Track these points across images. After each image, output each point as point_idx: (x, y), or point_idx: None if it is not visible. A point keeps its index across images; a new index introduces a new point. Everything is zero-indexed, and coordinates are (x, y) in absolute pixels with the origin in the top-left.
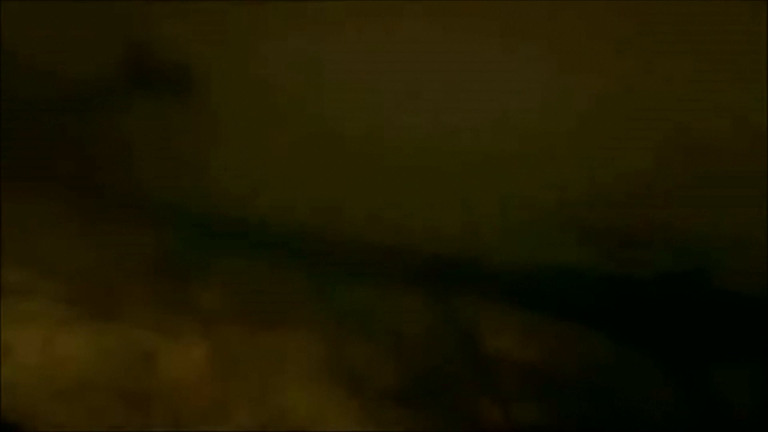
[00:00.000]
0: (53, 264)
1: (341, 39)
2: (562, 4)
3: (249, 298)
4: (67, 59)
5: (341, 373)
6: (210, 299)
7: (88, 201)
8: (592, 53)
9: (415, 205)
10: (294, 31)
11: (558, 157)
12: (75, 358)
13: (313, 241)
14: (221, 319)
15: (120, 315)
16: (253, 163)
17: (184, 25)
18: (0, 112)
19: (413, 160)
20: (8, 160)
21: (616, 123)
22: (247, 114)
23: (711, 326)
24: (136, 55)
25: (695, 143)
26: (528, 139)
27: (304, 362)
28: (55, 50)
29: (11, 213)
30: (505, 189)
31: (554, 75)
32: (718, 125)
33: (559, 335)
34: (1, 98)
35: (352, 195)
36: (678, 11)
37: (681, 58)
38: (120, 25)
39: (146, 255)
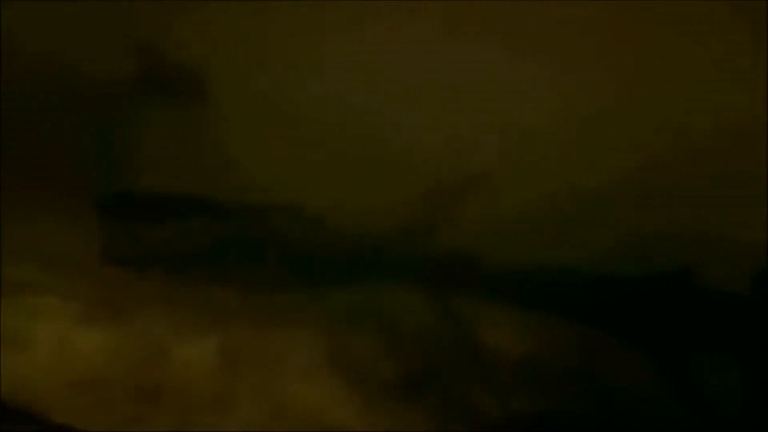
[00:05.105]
0: (68, 262)
1: (346, 41)
2: (564, 6)
3: (257, 296)
4: (73, 60)
5: (343, 368)
6: (220, 296)
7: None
8: (593, 55)
9: (416, 205)
10: (299, 33)
11: (557, 157)
12: (90, 354)
13: (315, 240)
14: (230, 316)
15: (133, 312)
16: (257, 163)
17: (192, 26)
18: (2, 113)
19: (415, 161)
20: (12, 160)
21: (615, 124)
22: (250, 115)
23: (700, 323)
24: (143, 56)
25: (694, 144)
26: (528, 141)
27: (307, 357)
28: (61, 51)
29: (21, 212)
30: (504, 190)
31: (555, 77)
32: (717, 126)
33: (556, 331)
34: (5, 98)
35: (354, 195)
36: (679, 12)
37: (681, 59)
38: (128, 27)
39: (155, 254)
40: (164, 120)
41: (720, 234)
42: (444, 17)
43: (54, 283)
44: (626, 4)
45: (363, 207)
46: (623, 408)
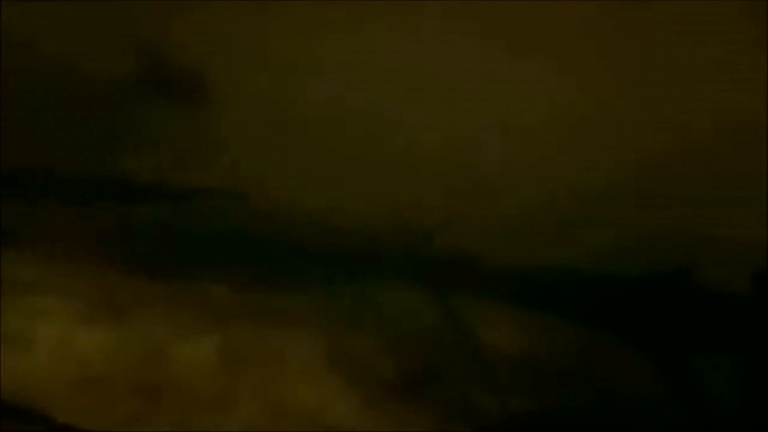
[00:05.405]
0: (68, 262)
1: (346, 41)
2: (564, 6)
3: (256, 295)
4: (73, 60)
5: (343, 367)
6: (220, 296)
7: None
8: (593, 55)
9: (415, 205)
10: (299, 33)
11: (557, 157)
12: (90, 353)
13: (315, 239)
14: (230, 316)
15: (133, 311)
16: (257, 162)
17: (192, 26)
18: (2, 113)
19: (415, 161)
20: (12, 160)
21: (615, 124)
22: (250, 115)
23: (699, 323)
24: (143, 56)
25: (694, 144)
26: (528, 141)
27: (307, 357)
28: (61, 51)
29: (23, 211)
30: (504, 190)
31: (555, 77)
32: (717, 126)
33: (555, 331)
34: (4, 98)
35: (354, 195)
36: (678, 12)
37: (681, 59)
38: (128, 27)
39: (157, 252)
40: (164, 120)
41: (720, 234)
42: (444, 17)
43: (54, 283)
44: (626, 4)
45: (363, 207)
46: (622, 408)
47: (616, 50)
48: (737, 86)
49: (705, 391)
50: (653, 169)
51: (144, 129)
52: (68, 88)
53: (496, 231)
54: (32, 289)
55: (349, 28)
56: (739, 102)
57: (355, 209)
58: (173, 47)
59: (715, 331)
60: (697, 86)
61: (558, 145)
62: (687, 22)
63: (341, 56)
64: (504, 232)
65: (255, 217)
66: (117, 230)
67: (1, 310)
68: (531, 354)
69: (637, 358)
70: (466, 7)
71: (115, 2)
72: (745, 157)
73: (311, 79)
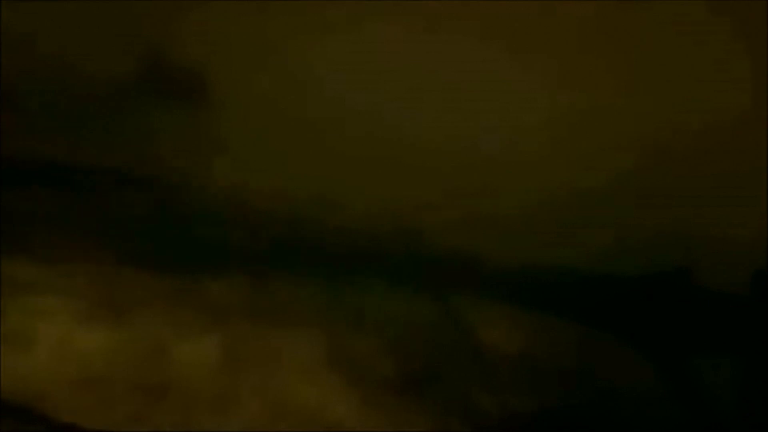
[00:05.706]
0: (69, 261)
1: (346, 41)
2: (563, 6)
3: (257, 294)
4: (74, 60)
5: (343, 367)
6: (221, 295)
7: (98, 199)
8: (593, 55)
9: (415, 205)
10: (299, 33)
11: (557, 157)
12: (91, 353)
13: (315, 239)
14: (231, 315)
15: (134, 311)
16: (257, 162)
17: (192, 26)
18: (3, 112)
19: (415, 161)
20: (13, 160)
21: (615, 124)
22: (250, 115)
23: (699, 323)
24: (144, 57)
25: (694, 144)
26: (527, 141)
27: (307, 356)
28: (62, 51)
29: (23, 210)
30: (504, 190)
31: (555, 76)
32: (716, 125)
33: (555, 331)
34: (6, 98)
35: (354, 194)
36: (679, 12)
37: (681, 59)
38: (129, 27)
39: (157, 251)
40: (164, 120)
41: (720, 233)
42: (444, 17)
43: (55, 283)
44: (626, 4)
45: (363, 207)
46: (622, 407)
47: (616, 50)
48: (737, 86)
49: (705, 391)
50: (653, 169)
51: (144, 129)
52: (68, 88)
53: (496, 231)
54: (32, 289)
55: (349, 28)
56: (739, 102)
57: (355, 209)
58: (173, 47)
59: (715, 331)
60: (697, 86)
61: (558, 144)
62: (687, 22)
63: (341, 56)
64: (504, 232)
65: (254, 216)
66: (117, 230)
67: (1, 310)
68: (531, 354)
69: (637, 358)
70: (466, 7)
71: (115, 2)
72: (745, 157)
73: (311, 79)
